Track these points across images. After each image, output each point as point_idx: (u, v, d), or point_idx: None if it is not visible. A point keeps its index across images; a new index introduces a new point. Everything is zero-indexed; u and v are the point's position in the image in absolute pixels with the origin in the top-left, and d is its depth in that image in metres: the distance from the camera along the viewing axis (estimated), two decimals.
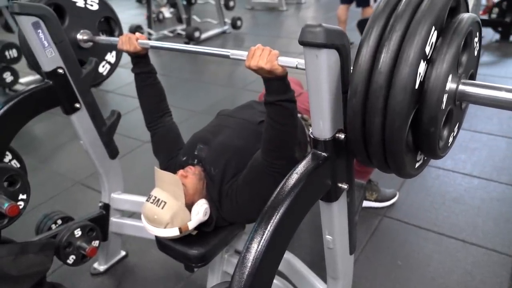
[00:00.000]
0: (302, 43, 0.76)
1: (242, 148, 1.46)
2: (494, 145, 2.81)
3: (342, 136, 0.87)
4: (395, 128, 0.72)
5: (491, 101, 0.76)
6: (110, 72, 1.89)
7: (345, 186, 0.97)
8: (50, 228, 1.91)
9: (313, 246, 2.07)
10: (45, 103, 1.60)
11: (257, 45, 1.12)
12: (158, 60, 5.70)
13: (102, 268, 2.07)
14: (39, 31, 1.46)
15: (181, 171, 1.43)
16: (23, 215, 1.47)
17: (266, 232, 0.76)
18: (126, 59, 1.73)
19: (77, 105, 1.65)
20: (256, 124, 1.54)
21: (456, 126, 0.89)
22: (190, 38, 5.68)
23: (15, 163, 1.63)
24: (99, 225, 1.81)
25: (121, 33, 1.84)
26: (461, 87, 0.77)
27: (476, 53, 0.86)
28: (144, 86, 1.60)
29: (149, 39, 6.10)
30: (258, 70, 1.10)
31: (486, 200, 2.30)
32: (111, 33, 1.87)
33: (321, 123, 0.86)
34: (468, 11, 0.85)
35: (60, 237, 1.66)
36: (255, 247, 0.74)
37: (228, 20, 6.35)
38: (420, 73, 0.70)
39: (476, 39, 0.83)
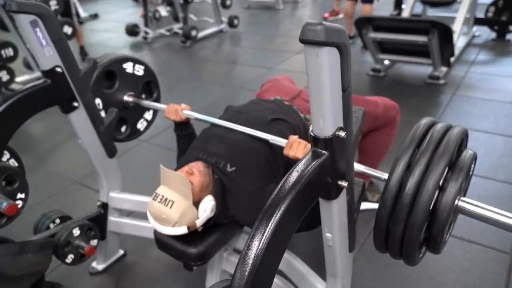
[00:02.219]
0: (303, 41, 0.76)
1: (260, 149, 1.49)
2: (491, 143, 2.83)
3: (342, 134, 0.87)
4: (414, 236, 0.94)
5: (481, 218, 0.97)
6: (146, 128, 2.08)
7: (345, 184, 0.97)
8: (48, 228, 1.90)
9: (312, 245, 2.08)
10: (43, 102, 1.59)
11: (295, 137, 1.33)
12: (154, 59, 5.69)
13: (100, 267, 2.07)
14: (37, 29, 1.45)
15: (186, 168, 1.43)
16: (21, 215, 1.47)
17: (267, 229, 0.76)
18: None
19: (75, 104, 1.65)
20: (268, 122, 1.56)
21: (452, 227, 1.12)
22: (187, 37, 5.67)
23: (13, 162, 1.62)
24: (97, 224, 1.81)
25: (159, 95, 2.06)
26: (460, 203, 0.98)
27: (471, 173, 1.07)
28: (183, 142, 1.80)
29: (146, 38, 6.11)
30: (295, 159, 1.28)
31: (483, 198, 2.31)
32: (150, 94, 2.05)
33: (321, 121, 0.86)
34: (467, 144, 1.09)
35: (59, 236, 1.65)
36: (256, 245, 0.74)
37: (225, 19, 6.34)
38: (434, 198, 0.91)
39: (472, 167, 1.04)
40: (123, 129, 1.97)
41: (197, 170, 1.43)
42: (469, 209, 0.99)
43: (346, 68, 0.82)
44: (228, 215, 1.46)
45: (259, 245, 0.75)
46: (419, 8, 5.12)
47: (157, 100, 2.04)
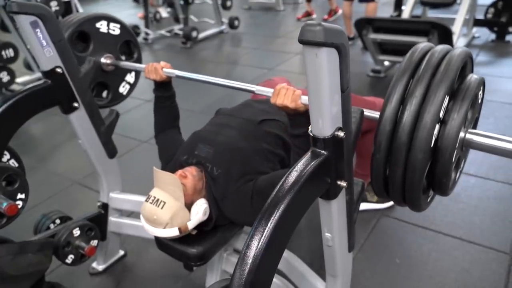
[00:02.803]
0: (302, 41, 0.77)
1: (246, 149, 1.48)
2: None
3: (341, 134, 0.88)
4: (415, 181, 0.86)
5: (493, 150, 0.87)
6: (130, 91, 1.98)
7: (344, 184, 0.97)
8: (48, 228, 1.91)
9: (311, 245, 2.08)
10: (44, 102, 1.60)
11: (282, 84, 1.21)
12: (155, 60, 5.68)
13: (100, 267, 2.07)
14: (37, 30, 1.46)
15: (180, 171, 1.43)
16: (21, 215, 1.47)
17: (267, 229, 0.76)
18: None
19: (76, 105, 1.65)
20: (257, 123, 1.55)
21: (462, 163, 1.01)
22: (187, 38, 5.68)
23: (13, 163, 1.63)
24: (97, 224, 1.81)
25: (140, 55, 1.94)
26: (467, 136, 0.88)
27: (480, 101, 0.96)
28: (162, 107, 1.71)
29: (146, 39, 6.12)
30: (283, 108, 1.19)
31: (483, 198, 2.31)
32: (130, 55, 1.94)
33: (320, 121, 0.86)
34: (473, 68, 0.96)
35: (59, 237, 1.66)
36: (256, 244, 0.75)
37: (225, 20, 6.34)
38: (435, 134, 0.82)
39: (480, 94, 0.92)
40: (104, 94, 1.89)
41: (190, 173, 1.43)
42: (479, 142, 0.88)
43: (345, 69, 0.83)
44: (225, 217, 1.46)
45: (258, 244, 0.75)
46: (419, 10, 5.13)
47: (138, 60, 1.95)
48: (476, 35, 4.95)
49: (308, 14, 6.63)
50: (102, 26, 1.75)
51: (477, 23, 4.83)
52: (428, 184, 0.92)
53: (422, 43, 0.93)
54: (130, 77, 1.94)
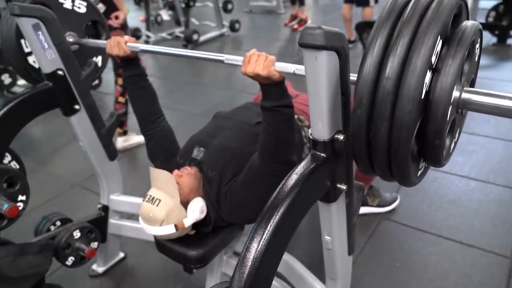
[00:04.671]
0: (302, 45, 0.77)
1: (239, 149, 1.47)
2: (491, 147, 2.83)
3: (341, 137, 0.88)
4: (402, 139, 0.73)
5: (493, 109, 0.76)
6: (97, 76, 1.86)
7: (344, 187, 0.97)
8: (49, 230, 1.91)
9: (311, 247, 2.08)
10: (45, 104, 1.60)
11: (252, 50, 1.10)
12: (156, 62, 5.70)
13: (100, 269, 2.07)
14: (39, 32, 1.46)
15: (176, 171, 1.43)
16: (22, 217, 1.48)
17: (266, 231, 0.76)
18: None
19: (77, 107, 1.66)
20: (253, 125, 1.55)
21: (457, 132, 0.90)
22: (188, 41, 5.69)
23: (14, 165, 1.63)
24: (98, 226, 1.82)
25: (108, 37, 1.76)
26: (464, 95, 0.78)
27: (477, 59, 0.86)
28: (136, 89, 1.57)
29: (147, 42, 6.13)
30: (255, 77, 1.09)
31: (484, 202, 2.31)
32: (97, 38, 1.82)
33: (320, 124, 0.86)
34: (468, 17, 0.85)
35: (59, 239, 1.66)
36: (255, 247, 0.75)
37: (226, 23, 6.36)
38: (426, 83, 0.70)
39: (477, 46, 0.82)
40: None
41: (187, 173, 1.43)
42: (478, 101, 0.77)
43: (345, 72, 0.83)
44: (223, 219, 1.46)
45: (257, 247, 0.75)
46: None
47: None
48: None
49: (294, 18, 6.58)
50: (66, 1, 1.63)
51: None
52: (419, 152, 0.81)
53: None
54: (97, 61, 1.80)
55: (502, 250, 1.98)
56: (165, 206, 1.34)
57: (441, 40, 0.71)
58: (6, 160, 1.60)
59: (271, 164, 1.27)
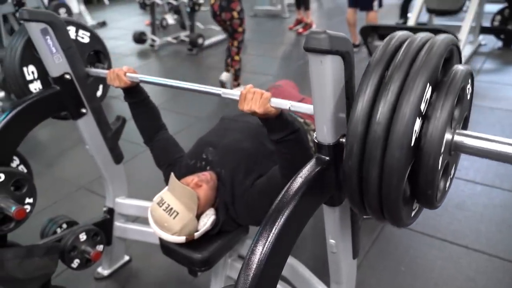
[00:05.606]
0: (307, 49, 0.78)
1: (249, 150, 1.49)
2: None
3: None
4: (392, 185, 0.73)
5: (486, 153, 0.76)
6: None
7: None
8: (55, 232, 1.92)
9: (315, 251, 2.08)
10: (52, 108, 1.62)
11: (248, 86, 1.13)
12: (161, 66, 5.74)
13: (106, 272, 2.08)
14: (47, 37, 1.48)
15: (195, 180, 1.42)
16: (29, 219, 1.49)
17: (271, 235, 0.77)
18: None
19: (84, 110, 1.67)
20: (260, 125, 1.56)
21: (452, 169, 0.89)
22: (193, 45, 5.72)
23: (22, 168, 1.65)
24: (103, 229, 1.83)
25: (110, 67, 1.80)
26: (456, 137, 0.77)
27: (469, 98, 0.85)
28: (137, 113, 1.61)
29: (153, 45, 6.17)
30: (252, 114, 1.11)
31: (489, 206, 2.30)
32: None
33: (325, 128, 0.87)
34: (461, 60, 0.84)
35: (65, 241, 1.67)
36: (260, 250, 0.75)
37: None
38: (416, 130, 0.70)
39: (468, 89, 0.82)
40: None
41: (206, 181, 1.43)
42: (470, 145, 0.77)
43: (350, 76, 0.84)
44: (233, 220, 1.47)
45: (262, 250, 0.75)
46: (425, 17, 5.14)
47: None
48: (482, 43, 4.94)
49: (299, 22, 6.59)
50: (70, 31, 1.64)
51: (484, 30, 4.83)
52: (412, 193, 0.81)
53: (400, 31, 0.81)
54: (99, 92, 1.82)
55: (508, 255, 1.97)
56: (181, 220, 1.35)
57: (430, 87, 0.71)
58: (14, 164, 1.62)
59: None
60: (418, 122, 0.70)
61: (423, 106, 0.70)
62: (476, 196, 2.39)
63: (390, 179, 0.72)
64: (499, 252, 1.99)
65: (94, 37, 1.76)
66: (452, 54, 0.78)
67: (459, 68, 0.76)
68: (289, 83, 2.17)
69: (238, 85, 4.18)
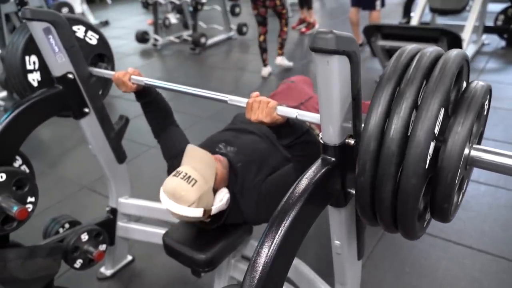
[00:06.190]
0: (313, 49, 0.77)
1: (265, 150, 1.50)
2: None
3: (351, 141, 0.87)
4: (408, 209, 0.74)
5: (501, 168, 0.76)
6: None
7: (354, 192, 0.97)
8: (57, 232, 1.92)
9: (319, 252, 2.07)
10: (55, 107, 1.62)
11: (254, 94, 1.14)
12: (163, 65, 5.74)
13: (108, 272, 2.08)
14: (50, 36, 1.48)
15: (216, 155, 1.43)
16: (31, 219, 1.49)
17: (277, 236, 0.76)
18: (131, 66, 1.73)
19: (86, 110, 1.67)
20: None
21: (465, 184, 0.89)
22: (196, 44, 5.71)
23: (24, 168, 1.65)
24: (106, 229, 1.82)
25: (112, 70, 1.80)
26: (473, 152, 0.77)
27: (486, 113, 0.85)
28: (150, 111, 1.61)
29: (155, 45, 6.16)
30: (260, 123, 1.13)
31: (493, 206, 2.29)
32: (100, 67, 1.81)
33: (331, 129, 0.86)
34: (469, 72, 0.83)
35: (68, 241, 1.67)
36: (266, 251, 0.75)
37: (234, 26, 6.38)
38: (430, 153, 0.70)
39: (486, 104, 0.81)
40: None
41: (220, 161, 1.43)
42: (487, 160, 0.77)
43: (356, 76, 0.83)
44: (238, 212, 1.46)
45: (268, 251, 0.75)
46: (428, 16, 5.12)
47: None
48: (485, 42, 4.92)
49: (302, 22, 6.58)
50: (79, 30, 1.67)
51: (487, 30, 4.81)
52: (425, 207, 0.81)
53: (410, 45, 0.83)
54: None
55: None
56: (200, 188, 1.31)
57: (443, 108, 0.70)
58: (17, 164, 1.62)
59: None
60: (432, 145, 0.70)
61: (437, 129, 0.70)
62: (480, 197, 2.37)
63: (405, 202, 0.73)
64: (504, 252, 1.98)
65: (102, 40, 1.77)
66: (462, 69, 0.78)
67: (479, 84, 0.76)
68: (304, 79, 2.12)
69: (282, 54, 4.77)
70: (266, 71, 4.64)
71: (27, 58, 1.57)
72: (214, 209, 1.37)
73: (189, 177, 1.32)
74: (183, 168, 1.35)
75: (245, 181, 1.43)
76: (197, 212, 1.32)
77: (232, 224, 1.51)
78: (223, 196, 1.39)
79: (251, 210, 1.44)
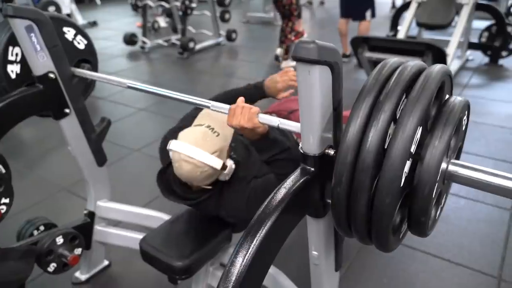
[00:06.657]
0: (295, 58, 0.76)
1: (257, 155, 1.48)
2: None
3: (331, 152, 0.87)
4: (383, 224, 0.74)
5: (478, 184, 0.77)
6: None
7: None
8: (32, 235, 1.87)
9: (298, 262, 2.05)
10: (35, 107, 1.58)
11: (239, 99, 1.14)
12: (151, 69, 5.70)
13: (83, 277, 2.03)
14: (32, 34, 1.45)
15: None
16: (5, 220, 1.45)
17: (252, 246, 0.74)
18: (118, 67, 1.71)
19: (67, 111, 1.64)
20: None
21: (443, 198, 0.89)
22: (184, 48, 5.70)
23: (0, 168, 1.60)
24: (82, 233, 1.78)
25: (93, 83, 1.80)
26: (450, 167, 0.78)
27: (464, 128, 0.86)
28: None
29: (143, 47, 6.13)
30: (241, 130, 1.12)
31: (473, 220, 2.31)
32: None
33: (311, 139, 0.86)
34: (452, 87, 0.84)
35: (41, 244, 1.62)
36: (240, 261, 0.73)
37: (223, 32, 6.39)
38: (405, 172, 0.70)
39: (465, 120, 0.82)
40: None
41: None
42: (464, 175, 0.78)
43: (338, 87, 0.83)
44: (217, 205, 1.43)
45: (243, 261, 0.73)
46: (414, 30, 5.20)
47: (91, 84, 1.81)
48: (470, 58, 5.02)
49: (301, 35, 6.61)
50: (69, 32, 1.64)
51: (471, 46, 4.91)
52: (401, 220, 0.81)
53: (392, 59, 0.83)
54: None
55: (490, 270, 1.97)
56: (222, 140, 1.30)
57: (420, 127, 0.70)
58: None
59: None
60: (408, 163, 0.70)
61: (413, 148, 0.70)
62: (460, 210, 2.40)
63: (379, 220, 0.73)
64: (482, 266, 2.00)
65: (91, 47, 1.74)
66: (444, 84, 0.78)
67: (458, 100, 0.77)
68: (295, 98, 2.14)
69: (288, 58, 5.08)
70: (279, 51, 5.12)
71: (10, 48, 1.54)
72: (227, 171, 1.33)
73: (213, 129, 1.30)
74: (206, 121, 1.33)
75: (239, 170, 1.42)
76: (217, 163, 1.28)
77: (212, 215, 1.48)
78: (231, 162, 1.36)
79: (231, 206, 1.42)
